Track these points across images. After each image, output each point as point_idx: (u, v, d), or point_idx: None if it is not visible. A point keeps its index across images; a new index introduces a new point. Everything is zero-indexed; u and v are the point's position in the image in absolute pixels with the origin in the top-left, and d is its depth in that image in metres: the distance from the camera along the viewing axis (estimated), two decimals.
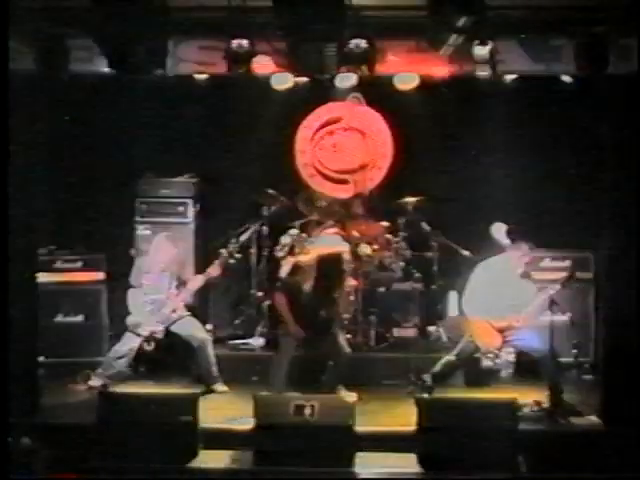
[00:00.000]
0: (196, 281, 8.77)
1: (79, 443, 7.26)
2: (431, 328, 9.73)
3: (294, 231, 9.57)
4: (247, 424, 7.22)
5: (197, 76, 8.14)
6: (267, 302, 9.46)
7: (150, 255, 8.89)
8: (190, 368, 8.81)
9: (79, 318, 9.51)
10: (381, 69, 7.83)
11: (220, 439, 7.40)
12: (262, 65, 7.56)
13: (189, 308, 8.88)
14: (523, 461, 6.93)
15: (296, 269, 8.74)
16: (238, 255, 8.94)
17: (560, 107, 9.71)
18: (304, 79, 8.37)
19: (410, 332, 9.55)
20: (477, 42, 7.35)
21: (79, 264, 9.66)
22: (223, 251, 8.79)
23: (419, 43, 7.70)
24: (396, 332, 9.64)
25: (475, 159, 10.33)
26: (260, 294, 9.69)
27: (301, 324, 8.14)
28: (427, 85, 8.54)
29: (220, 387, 8.67)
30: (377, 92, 9.34)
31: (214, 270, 8.68)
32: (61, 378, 8.86)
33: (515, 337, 8.19)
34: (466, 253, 9.59)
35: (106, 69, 7.18)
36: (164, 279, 8.77)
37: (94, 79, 8.38)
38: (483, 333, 8.17)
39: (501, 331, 8.14)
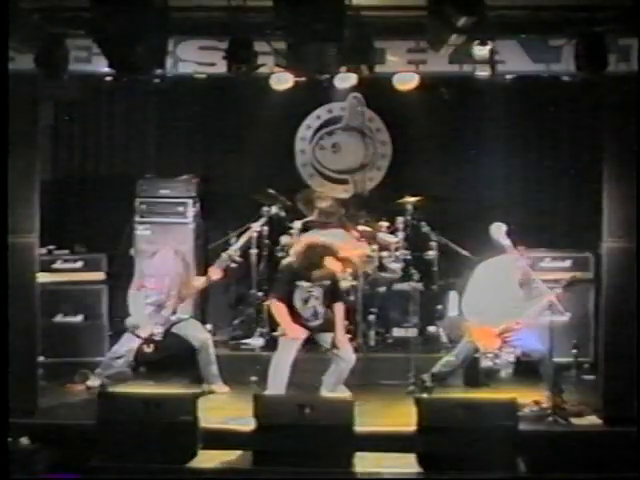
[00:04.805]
0: (197, 284, 8.77)
1: (79, 443, 7.27)
2: (431, 328, 9.73)
3: (294, 231, 9.58)
4: (247, 424, 7.22)
5: (197, 76, 8.13)
6: (267, 302, 9.45)
7: (155, 263, 8.86)
8: (190, 368, 8.81)
9: (79, 318, 9.51)
10: (381, 69, 7.83)
11: (220, 439, 7.40)
12: (262, 65, 7.56)
13: (188, 309, 8.89)
14: (523, 461, 6.93)
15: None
16: (239, 259, 8.92)
17: (560, 107, 9.72)
18: (304, 79, 8.37)
19: (410, 332, 9.54)
20: (477, 42, 7.34)
21: (79, 264, 9.67)
22: (224, 255, 8.79)
23: (419, 43, 7.70)
24: (396, 332, 9.64)
25: (475, 159, 10.33)
26: (260, 294, 9.69)
27: (300, 324, 8.14)
28: (427, 85, 8.54)
29: (220, 387, 8.68)
30: (377, 92, 9.33)
31: (215, 274, 8.69)
32: (61, 378, 8.87)
33: (515, 337, 8.20)
34: (466, 253, 9.60)
35: (106, 69, 7.17)
36: (165, 283, 8.75)
37: (94, 79, 8.38)
38: (482, 334, 8.17)
39: (500, 332, 8.15)
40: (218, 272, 8.71)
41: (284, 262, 8.63)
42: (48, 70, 7.40)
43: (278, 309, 8.16)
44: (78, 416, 7.87)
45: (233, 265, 8.84)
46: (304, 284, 8.11)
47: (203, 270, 9.20)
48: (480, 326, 8.18)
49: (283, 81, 8.34)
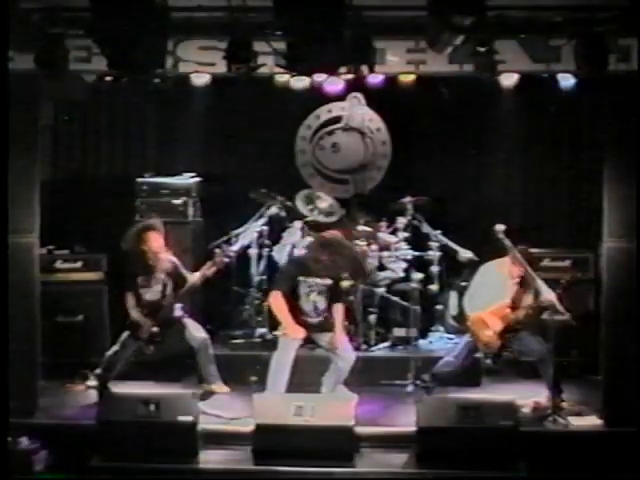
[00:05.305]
0: (192, 282, 8.75)
1: (79, 443, 7.27)
2: (431, 328, 9.74)
3: (294, 231, 9.58)
4: (247, 424, 7.23)
5: (197, 76, 8.14)
6: (268, 298, 9.45)
7: (151, 262, 8.84)
8: (190, 368, 8.81)
9: (79, 318, 9.51)
10: (381, 69, 7.83)
11: (220, 439, 7.41)
12: (262, 65, 7.56)
13: (187, 309, 8.89)
14: (523, 461, 6.94)
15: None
16: (232, 254, 8.88)
17: (560, 107, 9.71)
18: (304, 79, 8.38)
19: (410, 332, 9.55)
20: (477, 42, 7.35)
21: (79, 264, 9.66)
22: (217, 251, 8.78)
23: (419, 43, 7.70)
24: (396, 332, 9.64)
25: (475, 159, 10.33)
26: (260, 294, 9.69)
27: (300, 323, 8.14)
28: (427, 85, 8.54)
29: (220, 387, 8.68)
30: (377, 92, 9.33)
31: (208, 270, 8.65)
32: (61, 378, 8.87)
33: (515, 337, 8.20)
34: (466, 253, 9.59)
35: (106, 69, 7.17)
36: (161, 280, 8.74)
37: (94, 79, 8.38)
38: (483, 333, 8.17)
39: (501, 333, 8.16)
40: (211, 269, 8.66)
41: (291, 256, 8.54)
42: (48, 70, 7.39)
43: (279, 304, 8.13)
44: (78, 416, 7.88)
45: (226, 260, 8.77)
46: (307, 279, 8.10)
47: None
48: (480, 326, 8.18)
49: (283, 81, 8.35)
